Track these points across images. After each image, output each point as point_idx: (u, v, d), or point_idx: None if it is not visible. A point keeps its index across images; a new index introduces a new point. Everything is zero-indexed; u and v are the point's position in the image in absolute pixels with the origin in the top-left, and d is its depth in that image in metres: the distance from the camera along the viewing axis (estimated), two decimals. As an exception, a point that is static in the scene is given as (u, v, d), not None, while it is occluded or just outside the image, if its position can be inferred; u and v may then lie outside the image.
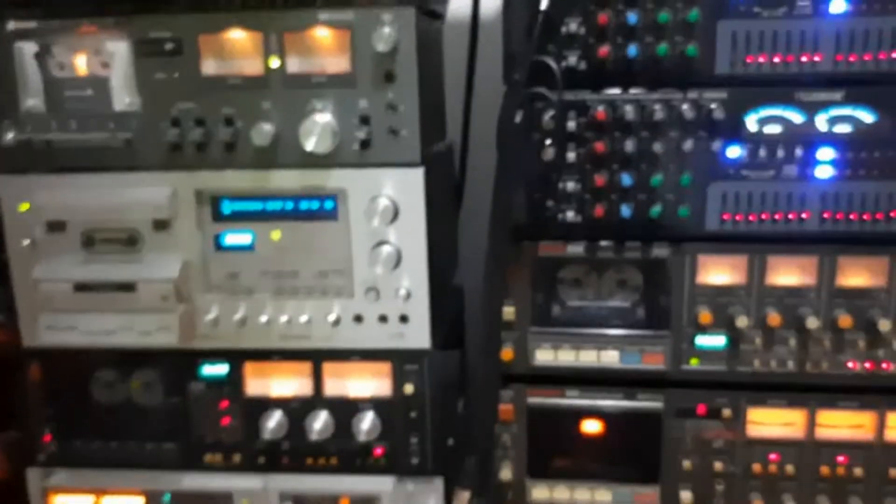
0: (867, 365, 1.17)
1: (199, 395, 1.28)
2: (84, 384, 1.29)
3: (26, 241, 1.23)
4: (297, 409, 1.27)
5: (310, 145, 1.14)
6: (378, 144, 1.16)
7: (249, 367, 1.27)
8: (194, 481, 1.31)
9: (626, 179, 1.13)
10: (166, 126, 1.18)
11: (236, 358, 1.27)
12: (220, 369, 1.28)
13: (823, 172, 1.12)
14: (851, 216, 1.12)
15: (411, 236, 1.19)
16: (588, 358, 1.22)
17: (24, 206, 1.23)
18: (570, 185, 1.15)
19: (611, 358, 1.21)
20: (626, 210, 1.14)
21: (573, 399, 1.25)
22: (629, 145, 1.12)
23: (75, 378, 1.29)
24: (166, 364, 1.28)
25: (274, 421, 1.26)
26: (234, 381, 1.28)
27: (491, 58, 1.39)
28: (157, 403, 1.29)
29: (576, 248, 1.19)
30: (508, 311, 1.21)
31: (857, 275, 1.15)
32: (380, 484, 1.28)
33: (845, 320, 1.15)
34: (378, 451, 1.27)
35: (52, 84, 1.19)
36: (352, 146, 1.17)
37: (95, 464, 1.32)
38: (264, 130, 1.15)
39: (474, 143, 1.51)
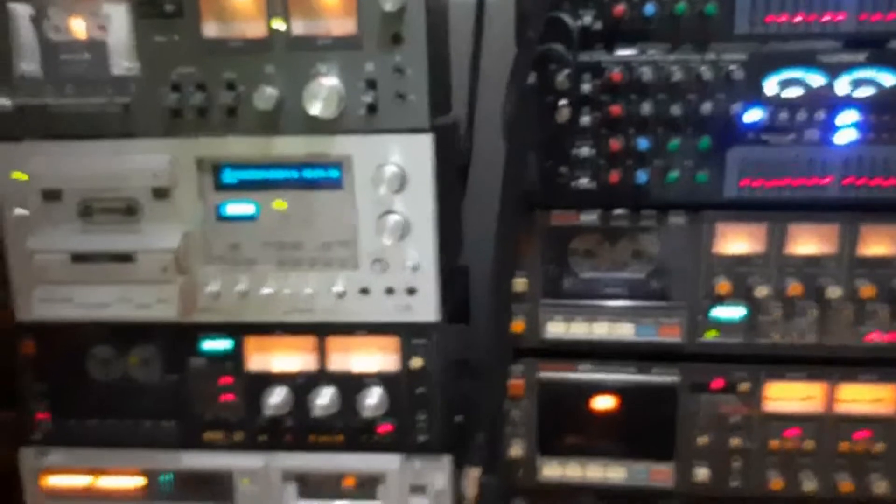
0: (889, 336, 1.14)
1: (199, 371, 1.25)
2: (80, 360, 1.26)
3: (21, 211, 1.20)
4: (301, 385, 1.23)
5: (314, 110, 1.10)
6: (385, 109, 1.13)
7: (251, 342, 1.24)
8: (193, 460, 1.28)
9: (643, 144, 1.10)
10: (166, 91, 1.14)
11: (238, 332, 1.23)
12: (220, 344, 1.24)
13: (845, 137, 1.08)
14: (873, 182, 1.09)
15: (419, 205, 1.15)
16: (601, 330, 1.18)
17: (19, 175, 1.19)
18: (585, 151, 1.11)
19: (625, 330, 1.18)
20: (642, 176, 1.11)
21: (585, 373, 1.21)
22: (646, 108, 1.09)
23: (71, 354, 1.26)
24: (165, 339, 1.24)
25: (277, 397, 1.22)
26: (235, 356, 1.24)
27: (497, 41, 1.36)
28: (155, 380, 1.26)
29: (589, 217, 1.16)
30: (520, 283, 1.18)
31: (879, 243, 1.12)
32: (386, 462, 1.25)
33: (867, 290, 1.11)
34: (384, 427, 1.24)
35: (48, 48, 1.16)
36: (358, 111, 1.13)
37: (92, 443, 1.29)
38: (267, 94, 1.11)
39: (479, 126, 1.47)
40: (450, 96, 1.40)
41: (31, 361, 1.26)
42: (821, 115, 1.08)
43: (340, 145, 1.15)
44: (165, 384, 1.25)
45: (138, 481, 1.28)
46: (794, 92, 1.08)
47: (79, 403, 1.27)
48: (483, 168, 1.44)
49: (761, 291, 1.13)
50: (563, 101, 1.06)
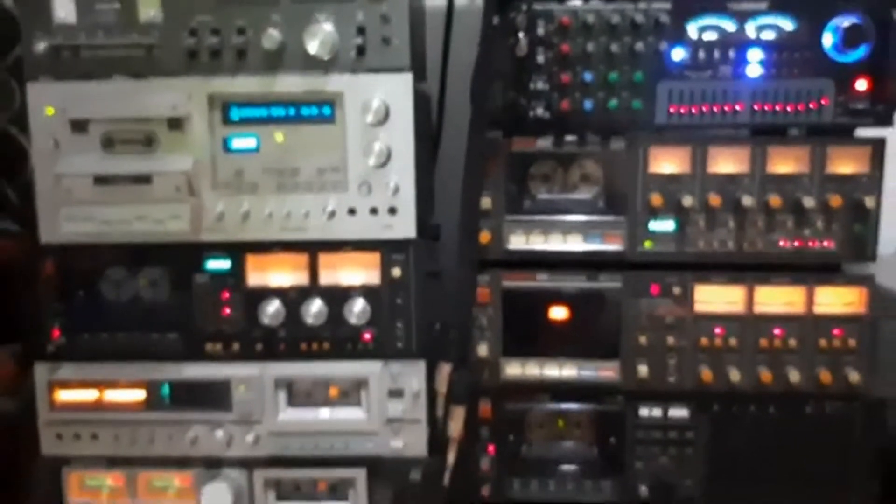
0: (796, 243, 1.36)
1: (203, 288, 1.40)
2: (94, 280, 1.40)
3: (50, 143, 1.36)
4: (294, 298, 1.39)
5: (313, 48, 1.30)
6: (372, 52, 1.33)
7: (251, 260, 1.40)
8: (194, 370, 1.41)
9: (588, 77, 1.32)
10: (185, 36, 1.34)
11: (239, 250, 1.39)
12: (223, 263, 1.40)
13: (753, 71, 1.32)
14: (777, 108, 1.32)
15: (400, 135, 1.34)
16: (556, 241, 1.38)
17: (50, 111, 1.36)
18: (540, 84, 1.33)
19: (575, 240, 1.38)
20: (588, 104, 1.33)
21: (543, 282, 1.40)
22: (590, 47, 1.32)
23: (86, 274, 1.40)
24: (173, 259, 1.39)
25: (273, 307, 1.38)
26: (236, 273, 1.40)
27: (464, 41, 1.59)
28: (163, 298, 1.40)
29: (544, 143, 1.37)
30: (485, 201, 1.37)
31: (784, 163, 1.34)
32: (368, 368, 1.40)
33: (775, 200, 1.33)
34: (367, 335, 1.40)
35: (83, 2, 1.35)
36: (349, 53, 1.33)
37: (101, 357, 1.41)
38: (273, 36, 1.30)
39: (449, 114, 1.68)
40: (424, 66, 1.61)
41: (50, 281, 1.41)
42: (733, 54, 1.32)
43: (333, 83, 1.34)
44: (172, 301, 1.40)
45: (141, 394, 1.41)
46: (710, 35, 1.32)
47: (91, 321, 1.40)
48: (452, 144, 1.63)
49: (688, 203, 1.34)
50: (521, 35, 1.28)
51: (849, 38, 1.28)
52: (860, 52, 1.29)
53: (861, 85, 1.31)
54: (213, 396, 1.41)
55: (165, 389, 1.42)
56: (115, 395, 1.42)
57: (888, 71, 1.29)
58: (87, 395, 1.42)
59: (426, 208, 1.47)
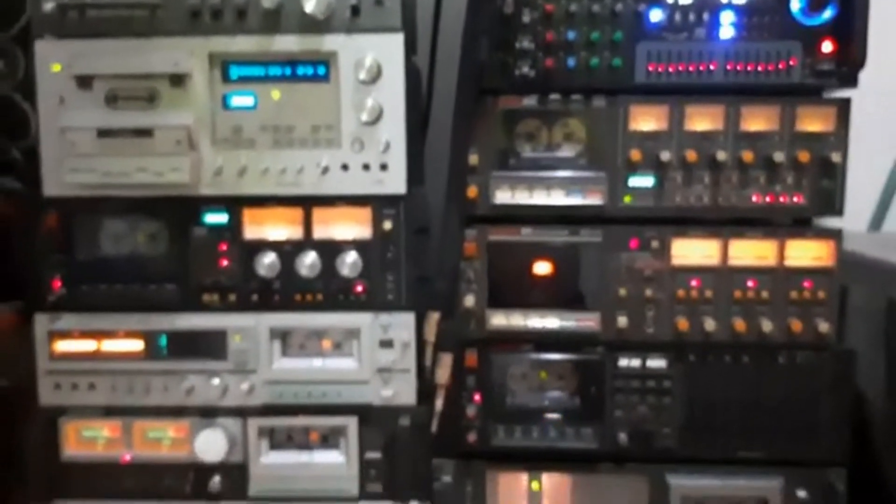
0: (768, 198, 1.43)
1: (201, 240, 1.45)
2: (95, 233, 1.45)
3: (56, 99, 1.42)
4: (289, 252, 1.44)
5: (309, 7, 1.37)
6: (366, 12, 1.39)
7: (248, 213, 1.45)
8: (191, 321, 1.46)
9: (571, 35, 1.40)
10: (188, -4, 1.41)
11: (236, 204, 1.44)
12: (221, 217, 1.45)
13: (726, 33, 1.40)
14: (749, 67, 1.40)
15: (391, 93, 1.40)
16: (540, 196, 1.45)
17: (56, 67, 1.42)
18: (526, 43, 1.41)
19: (558, 196, 1.45)
20: (571, 62, 1.40)
21: (527, 236, 1.47)
22: (573, 7, 1.40)
23: (87, 227, 1.45)
24: (172, 212, 1.44)
25: (268, 259, 1.43)
26: (233, 226, 1.45)
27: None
28: (162, 250, 1.45)
29: (530, 101, 1.44)
30: (473, 158, 1.44)
31: (756, 121, 1.42)
32: (359, 319, 1.45)
33: (748, 156, 1.41)
34: (359, 287, 1.45)
35: (89, -37, 1.41)
36: (343, 13, 1.39)
37: (100, 308, 1.46)
38: (272, -5, 1.38)
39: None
40: (415, 37, 1.66)
41: (52, 234, 1.46)
42: (707, 16, 1.40)
43: (328, 43, 1.40)
44: (170, 253, 1.45)
45: (139, 344, 1.46)
46: (686, -2, 1.41)
47: (91, 272, 1.45)
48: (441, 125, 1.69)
49: (666, 158, 1.41)
50: (508, -7, 1.36)
51: (814, 2, 1.36)
52: (825, 16, 1.37)
53: (826, 47, 1.39)
54: (209, 346, 1.46)
55: (163, 340, 1.46)
56: (113, 346, 1.46)
57: (852, 34, 1.37)
58: (86, 345, 1.46)
59: (415, 177, 1.52)
